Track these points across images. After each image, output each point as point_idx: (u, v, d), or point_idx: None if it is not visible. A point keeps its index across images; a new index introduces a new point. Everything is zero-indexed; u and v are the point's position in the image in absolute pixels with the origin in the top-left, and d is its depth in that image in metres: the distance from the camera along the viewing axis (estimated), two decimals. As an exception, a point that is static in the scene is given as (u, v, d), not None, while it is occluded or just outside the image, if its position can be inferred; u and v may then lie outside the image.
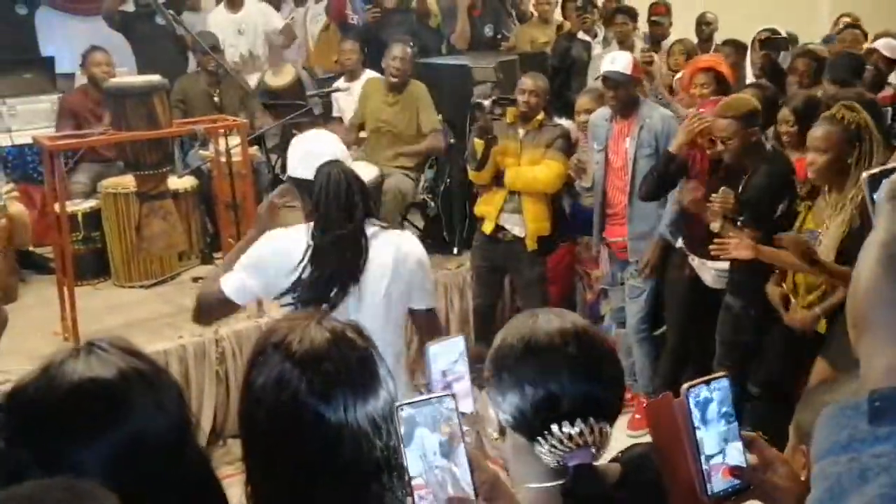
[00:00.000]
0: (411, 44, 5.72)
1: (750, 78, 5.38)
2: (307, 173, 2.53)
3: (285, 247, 2.49)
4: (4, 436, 1.05)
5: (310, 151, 2.58)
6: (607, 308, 4.70)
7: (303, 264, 2.46)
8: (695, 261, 4.01)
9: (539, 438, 1.25)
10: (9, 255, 4.67)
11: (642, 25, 6.76)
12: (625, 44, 5.94)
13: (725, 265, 3.88)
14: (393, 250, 2.53)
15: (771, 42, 5.28)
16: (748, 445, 1.15)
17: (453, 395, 1.06)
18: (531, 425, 1.27)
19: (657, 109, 4.29)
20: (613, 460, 1.38)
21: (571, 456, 1.24)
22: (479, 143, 4.39)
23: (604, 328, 4.82)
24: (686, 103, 4.82)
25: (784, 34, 5.72)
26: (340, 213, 2.47)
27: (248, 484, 1.27)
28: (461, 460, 1.03)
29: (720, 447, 1.12)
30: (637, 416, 4.36)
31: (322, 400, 1.20)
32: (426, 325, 2.62)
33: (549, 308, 1.44)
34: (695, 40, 6.36)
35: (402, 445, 1.04)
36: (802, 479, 1.17)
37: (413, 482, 1.02)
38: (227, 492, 1.28)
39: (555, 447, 1.24)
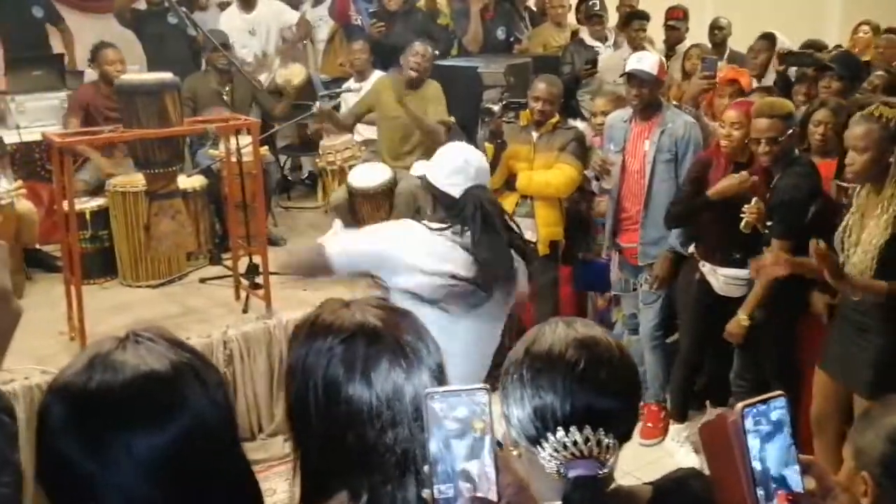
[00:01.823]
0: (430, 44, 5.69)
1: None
2: (453, 191, 2.77)
3: (411, 245, 2.73)
4: (56, 427, 1.03)
5: (461, 169, 2.78)
6: (619, 315, 4.64)
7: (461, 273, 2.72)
8: (705, 266, 3.97)
9: (540, 444, 1.25)
10: (15, 252, 4.63)
11: (657, 30, 6.71)
12: (637, 49, 5.89)
13: (736, 272, 3.85)
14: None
15: (793, 56, 5.24)
16: (807, 470, 1.08)
17: (487, 389, 1.01)
18: (531, 432, 1.27)
19: (681, 115, 4.22)
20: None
21: (572, 466, 1.22)
22: (488, 148, 4.36)
23: (615, 335, 4.76)
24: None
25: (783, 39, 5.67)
26: (487, 237, 2.75)
27: (300, 468, 1.27)
28: (488, 459, 0.98)
29: (777, 472, 1.05)
30: (649, 424, 4.31)
31: (365, 382, 1.21)
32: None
33: (563, 317, 1.41)
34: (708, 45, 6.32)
35: (427, 434, 0.99)
36: None
37: (435, 477, 0.97)
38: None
39: (554, 454, 1.23)
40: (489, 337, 2.91)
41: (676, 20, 6.49)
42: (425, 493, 0.98)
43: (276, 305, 4.45)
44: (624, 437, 1.29)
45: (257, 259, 4.61)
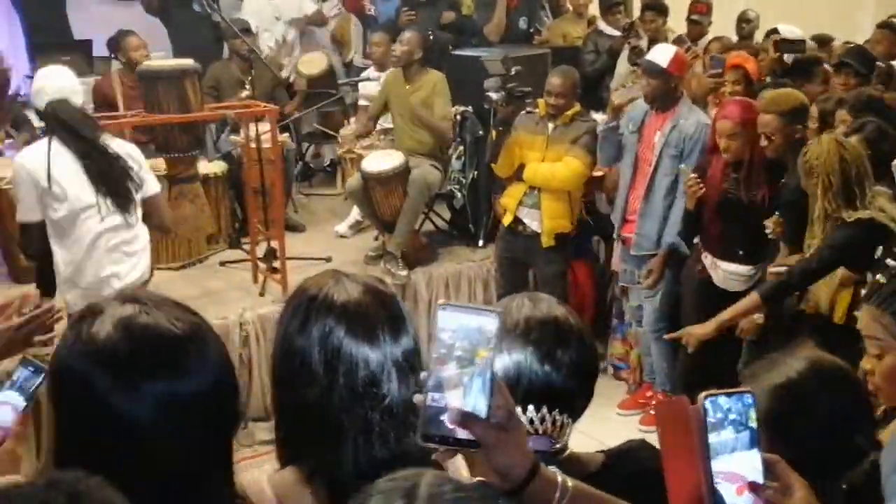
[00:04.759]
0: (429, 32, 5.70)
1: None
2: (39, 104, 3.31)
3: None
4: (100, 388, 1.09)
5: (42, 88, 3.30)
6: (627, 305, 4.69)
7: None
8: (707, 258, 3.99)
9: None
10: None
11: (679, 23, 6.69)
12: (656, 41, 5.89)
13: (737, 267, 3.88)
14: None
15: (787, 44, 5.22)
16: (769, 467, 1.10)
17: (500, 313, 1.02)
18: None
19: (696, 114, 4.20)
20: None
21: None
22: (494, 134, 4.41)
23: (623, 326, 4.81)
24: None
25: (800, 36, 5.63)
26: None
27: (280, 441, 1.33)
28: (484, 379, 0.98)
29: (737, 463, 1.06)
30: (652, 412, 4.35)
31: (366, 342, 1.26)
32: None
33: (531, 293, 1.45)
34: (734, 38, 6.30)
35: (431, 342, 1.00)
36: None
37: (429, 382, 0.98)
38: (248, 473, 1.32)
39: None
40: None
41: (699, 14, 6.47)
42: (416, 398, 0.98)
43: (292, 289, 4.54)
44: (578, 414, 1.34)
45: (275, 244, 4.71)
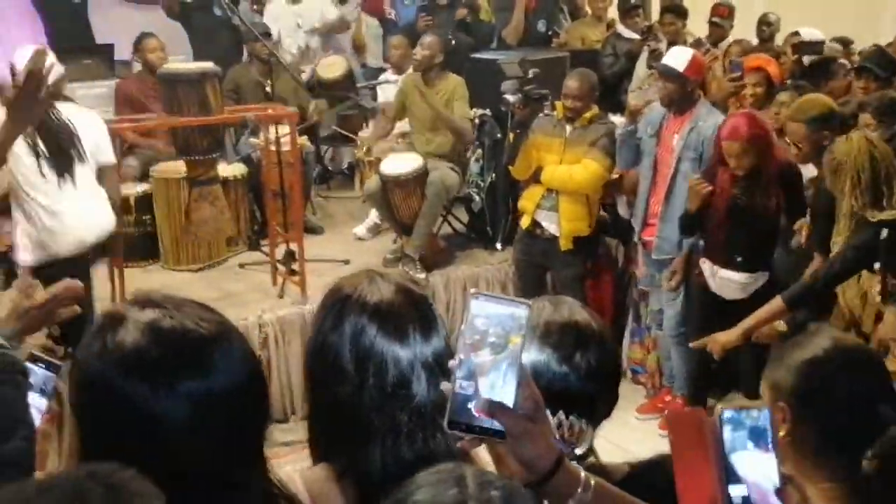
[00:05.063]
0: (449, 37, 5.73)
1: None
2: None
3: None
4: (128, 392, 1.09)
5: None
6: (646, 309, 4.66)
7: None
8: (706, 264, 3.96)
9: None
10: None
11: (701, 26, 6.66)
12: (675, 44, 5.86)
13: (734, 275, 3.85)
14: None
15: (805, 46, 5.20)
16: (784, 483, 1.07)
17: (529, 305, 1.02)
18: None
19: (714, 115, 4.17)
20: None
21: None
22: (511, 136, 4.42)
23: (643, 330, 4.79)
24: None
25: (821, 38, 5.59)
26: None
27: (312, 439, 1.34)
28: (513, 370, 0.99)
29: (752, 478, 1.05)
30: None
31: (397, 341, 1.27)
32: None
33: (553, 297, 1.46)
34: (754, 41, 6.27)
35: (462, 329, 1.00)
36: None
37: (458, 370, 0.99)
38: (281, 470, 1.31)
39: None
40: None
41: (720, 17, 6.44)
42: (444, 385, 0.99)
43: (311, 292, 4.56)
44: (599, 420, 1.33)
45: (294, 246, 4.73)
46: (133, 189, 5.12)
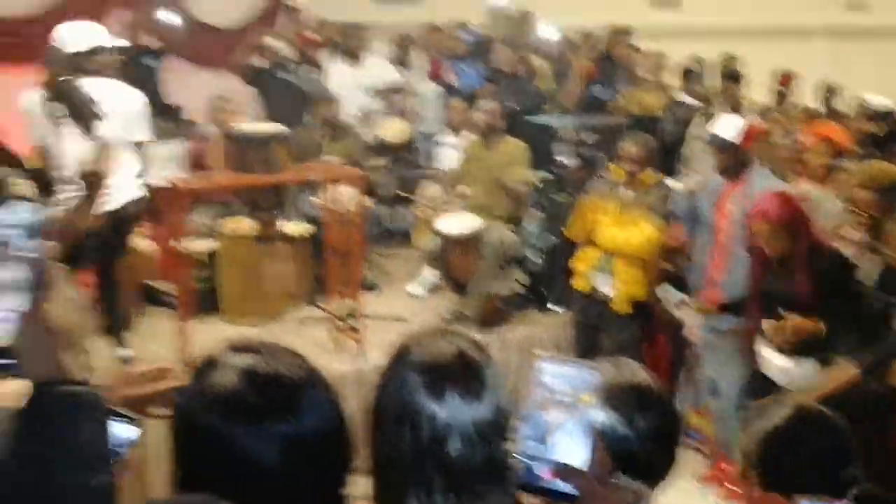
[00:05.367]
0: (509, 103, 5.87)
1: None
2: None
3: None
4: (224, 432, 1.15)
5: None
6: (703, 375, 4.60)
7: None
8: (762, 344, 3.71)
9: None
10: (133, 286, 4.98)
11: (763, 92, 6.70)
12: (735, 110, 5.91)
13: (778, 359, 3.63)
14: None
15: (874, 114, 5.18)
16: None
17: (597, 368, 1.04)
18: None
19: (768, 180, 4.15)
20: None
21: None
22: (563, 199, 4.47)
23: (699, 395, 4.72)
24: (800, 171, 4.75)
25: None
26: None
27: (373, 483, 1.36)
28: (583, 432, 0.99)
29: None
30: (729, 486, 4.22)
31: (436, 399, 1.30)
32: None
33: (613, 358, 1.47)
34: (819, 108, 6.28)
35: (528, 392, 1.02)
36: None
37: (525, 430, 0.98)
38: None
39: None
40: None
41: (783, 84, 6.49)
42: (512, 447, 1.00)
43: (369, 348, 4.62)
44: (656, 482, 1.33)
45: (353, 303, 4.81)
46: (200, 245, 5.29)
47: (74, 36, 4.20)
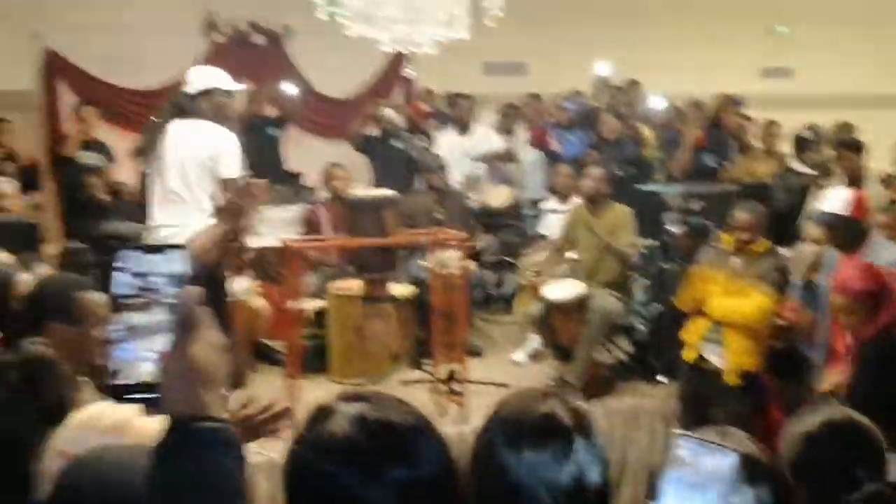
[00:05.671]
0: (616, 170, 5.88)
1: None
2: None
3: None
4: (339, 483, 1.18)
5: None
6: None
7: None
8: None
9: None
10: (246, 344, 5.17)
11: (884, 162, 6.49)
12: (852, 179, 5.72)
13: None
14: None
15: None
16: None
17: (738, 451, 1.07)
18: None
19: (888, 250, 4.00)
20: None
21: None
22: (670, 266, 4.41)
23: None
24: None
25: None
26: None
27: None
28: None
29: None
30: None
31: (512, 454, 1.33)
32: None
33: (721, 428, 1.45)
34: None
35: (666, 473, 1.04)
36: None
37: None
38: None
39: None
40: None
41: None
42: None
43: (470, 413, 4.63)
44: None
45: (457, 367, 4.84)
46: (311, 304, 5.46)
47: (193, 77, 4.28)
